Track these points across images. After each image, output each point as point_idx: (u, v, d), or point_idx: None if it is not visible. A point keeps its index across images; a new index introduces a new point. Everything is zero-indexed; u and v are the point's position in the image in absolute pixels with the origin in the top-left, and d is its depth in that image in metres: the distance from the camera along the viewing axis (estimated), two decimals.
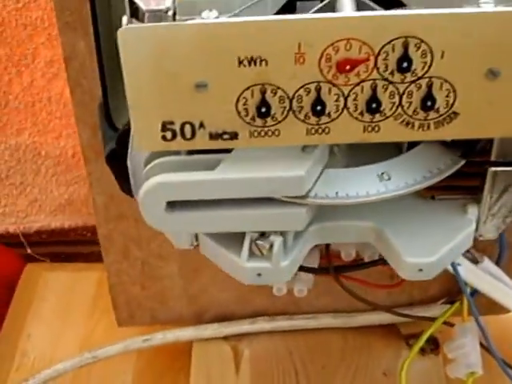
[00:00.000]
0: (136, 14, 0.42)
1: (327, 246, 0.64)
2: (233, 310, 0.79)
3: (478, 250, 0.69)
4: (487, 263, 0.69)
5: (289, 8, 0.45)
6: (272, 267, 0.48)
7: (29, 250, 0.92)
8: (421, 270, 0.48)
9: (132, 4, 0.41)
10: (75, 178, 0.87)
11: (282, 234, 0.48)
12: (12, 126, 0.86)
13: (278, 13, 0.44)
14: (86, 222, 0.92)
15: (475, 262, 0.69)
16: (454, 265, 0.65)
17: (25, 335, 0.85)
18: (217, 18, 0.40)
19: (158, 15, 0.41)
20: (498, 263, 0.70)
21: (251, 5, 0.42)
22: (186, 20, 0.40)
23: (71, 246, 0.95)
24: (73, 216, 0.92)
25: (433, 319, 0.72)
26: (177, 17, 0.41)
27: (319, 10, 0.41)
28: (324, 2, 0.42)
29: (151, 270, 0.75)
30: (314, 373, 0.77)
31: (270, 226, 0.47)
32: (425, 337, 0.70)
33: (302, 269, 0.66)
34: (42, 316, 0.87)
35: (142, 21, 0.41)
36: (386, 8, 0.42)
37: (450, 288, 0.74)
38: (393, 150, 0.48)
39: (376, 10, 0.41)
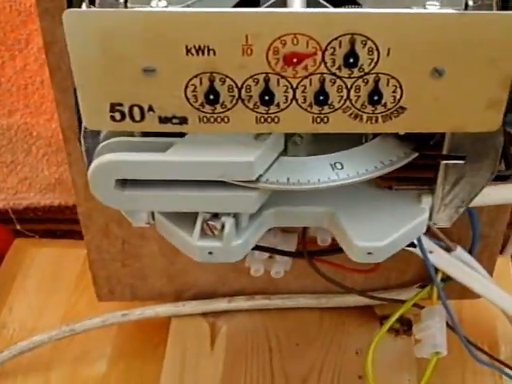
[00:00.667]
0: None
1: (304, 230, 0.66)
2: (213, 290, 0.80)
3: (451, 240, 0.71)
4: (460, 252, 0.71)
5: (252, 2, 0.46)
6: (223, 247, 0.50)
7: (18, 226, 0.94)
8: (370, 253, 0.50)
9: None
10: (66, 159, 0.88)
11: (235, 215, 0.50)
12: (4, 107, 0.88)
13: (239, 5, 0.45)
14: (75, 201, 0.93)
15: (448, 250, 0.70)
16: (424, 251, 0.66)
17: (7, 308, 0.86)
18: (165, 7, 0.41)
19: (109, 2, 0.42)
20: (470, 252, 0.71)
21: None
22: (137, 7, 0.42)
23: (60, 224, 0.96)
24: (62, 195, 0.94)
25: (403, 302, 0.73)
26: (128, 4, 0.42)
27: (270, 5, 0.43)
28: None
29: (132, 248, 0.76)
30: (287, 350, 0.79)
31: (222, 208, 0.49)
32: (394, 317, 0.72)
33: (277, 252, 0.69)
34: (25, 290, 0.88)
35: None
36: (341, 7, 0.43)
37: (426, 273, 0.75)
38: (356, 141, 0.49)
39: (326, 7, 0.42)
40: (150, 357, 0.80)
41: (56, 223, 0.95)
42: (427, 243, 0.68)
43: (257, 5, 0.44)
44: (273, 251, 0.68)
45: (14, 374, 0.79)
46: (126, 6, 0.42)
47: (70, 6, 0.46)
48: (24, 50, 0.84)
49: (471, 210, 0.67)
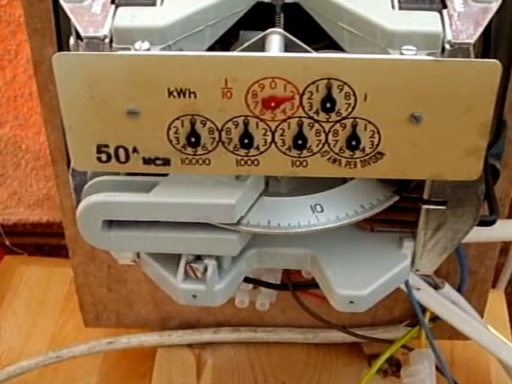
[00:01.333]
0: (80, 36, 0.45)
1: None
2: (198, 319, 0.81)
3: (439, 276, 0.71)
4: (448, 289, 0.71)
5: (232, 36, 0.47)
6: (206, 290, 0.50)
7: (7, 242, 0.95)
8: (352, 302, 0.50)
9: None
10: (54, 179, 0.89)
11: (218, 257, 0.50)
12: None
13: (217, 41, 0.46)
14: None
15: (436, 287, 0.71)
16: (409, 290, 0.67)
17: None
18: (148, 49, 0.42)
19: (96, 42, 0.43)
20: (459, 290, 0.72)
21: (188, 36, 0.44)
22: (122, 49, 0.43)
23: (48, 238, 0.97)
24: (50, 211, 0.95)
25: (391, 342, 0.74)
26: (113, 44, 0.43)
27: (248, 47, 0.44)
28: (254, 39, 0.44)
29: (117, 273, 0.77)
30: None
31: (204, 250, 0.50)
32: (382, 359, 0.73)
33: (262, 284, 0.69)
34: (14, 310, 0.90)
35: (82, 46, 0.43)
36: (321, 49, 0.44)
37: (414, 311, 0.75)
38: (338, 179, 0.50)
39: (305, 50, 0.43)
40: None
41: (44, 237, 0.97)
42: (414, 280, 0.68)
43: (236, 37, 0.45)
44: (257, 283, 0.69)
45: None
46: (110, 46, 0.43)
47: (58, 28, 0.47)
48: (13, 60, 0.85)
49: (459, 245, 0.67)
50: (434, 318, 0.73)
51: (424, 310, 0.72)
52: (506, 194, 0.67)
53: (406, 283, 0.67)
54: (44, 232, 0.97)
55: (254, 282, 0.68)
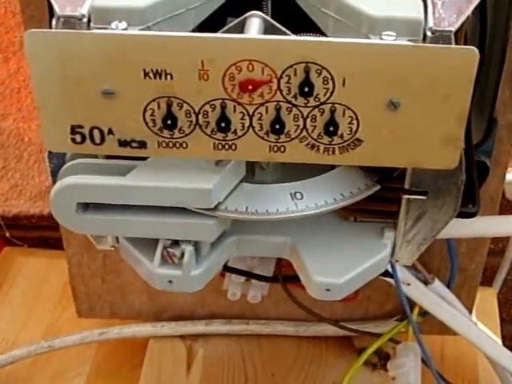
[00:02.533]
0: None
1: None
2: (191, 311, 0.80)
3: (430, 272, 0.70)
4: (438, 285, 0.70)
5: (219, 23, 0.45)
6: (183, 275, 0.49)
7: (7, 234, 0.94)
8: (328, 290, 0.49)
9: None
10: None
11: (196, 243, 0.49)
12: None
13: (202, 26, 0.44)
14: None
15: (426, 283, 0.69)
16: (398, 284, 0.65)
17: None
18: (125, 29, 0.41)
19: (73, 21, 0.41)
20: (448, 286, 0.70)
21: (172, 17, 0.43)
22: (99, 29, 0.41)
23: (53, 232, 0.95)
24: None
25: (381, 335, 0.72)
26: (91, 24, 0.42)
27: (227, 30, 0.42)
28: (234, 22, 0.43)
29: (112, 263, 0.76)
30: (263, 380, 0.78)
31: (181, 235, 0.48)
32: (369, 351, 0.71)
33: (253, 276, 0.68)
34: (10, 300, 0.88)
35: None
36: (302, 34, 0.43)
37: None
38: (323, 168, 0.49)
39: (285, 34, 0.42)
40: (128, 378, 0.79)
41: (48, 231, 0.95)
42: (404, 274, 0.67)
43: (217, 29, 0.43)
44: (249, 275, 0.67)
45: None
46: (88, 26, 0.41)
47: (51, 15, 0.46)
48: (18, 52, 0.84)
49: (450, 241, 0.66)
50: (424, 313, 0.71)
51: (413, 304, 0.70)
52: (497, 193, 0.65)
53: (396, 278, 0.65)
54: (45, 225, 0.95)
55: (246, 274, 0.67)
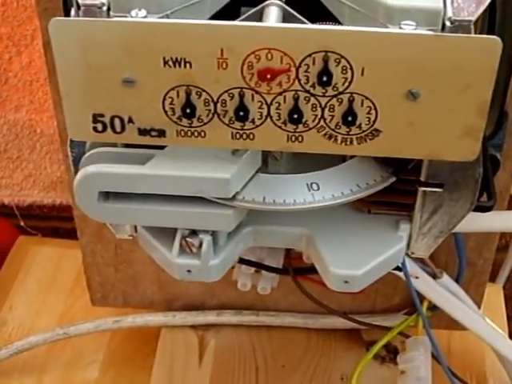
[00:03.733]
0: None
1: None
2: (202, 301, 0.78)
3: (438, 267, 0.68)
4: (446, 279, 0.68)
5: (233, 12, 0.44)
6: (201, 265, 0.48)
7: (22, 223, 0.93)
8: (346, 282, 0.47)
9: None
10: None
11: (213, 233, 0.48)
12: (11, 102, 0.87)
13: (217, 16, 0.43)
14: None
15: (434, 277, 0.68)
16: (407, 277, 0.64)
17: (7, 306, 0.86)
18: (144, 17, 0.39)
19: (93, 10, 0.40)
20: (457, 281, 0.69)
21: (188, 5, 0.42)
22: (119, 17, 0.40)
23: (63, 222, 0.95)
24: (64, 193, 0.93)
25: (389, 329, 0.71)
26: (111, 13, 0.40)
27: (246, 18, 0.41)
28: (252, 11, 0.41)
29: (124, 253, 0.75)
30: (273, 370, 0.76)
31: (199, 225, 0.47)
32: (379, 345, 0.70)
33: (263, 267, 0.67)
34: (25, 289, 0.87)
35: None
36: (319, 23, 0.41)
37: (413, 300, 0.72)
38: (337, 159, 0.47)
39: (303, 22, 0.41)
40: (140, 366, 0.78)
41: (59, 221, 0.95)
42: (413, 268, 0.65)
43: (235, 17, 0.42)
44: (259, 266, 0.66)
45: (9, 373, 0.78)
46: (108, 14, 0.40)
47: (65, 7, 0.45)
48: (30, 45, 0.83)
49: (458, 235, 0.64)
50: (432, 308, 0.70)
51: (422, 299, 0.69)
52: (506, 187, 0.64)
53: (405, 271, 0.64)
54: (56, 215, 0.94)
55: (256, 265, 0.66)
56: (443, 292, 0.68)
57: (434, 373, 0.68)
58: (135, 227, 0.51)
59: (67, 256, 0.90)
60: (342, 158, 0.48)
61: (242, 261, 0.65)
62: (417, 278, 0.67)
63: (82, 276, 0.79)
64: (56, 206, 0.94)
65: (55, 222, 0.96)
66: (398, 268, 0.62)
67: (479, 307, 0.72)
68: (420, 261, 0.67)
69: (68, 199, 0.92)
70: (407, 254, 0.50)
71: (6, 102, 0.87)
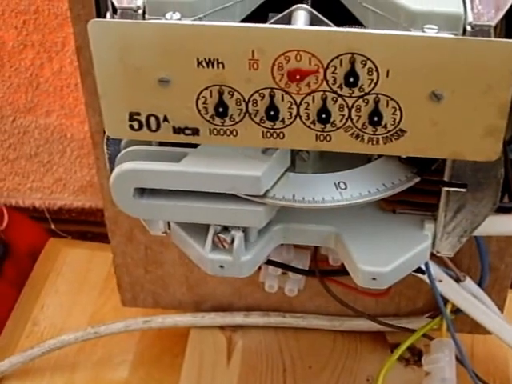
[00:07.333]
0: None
1: (315, 248, 0.65)
2: (230, 302, 0.80)
3: (461, 270, 0.69)
4: (469, 283, 0.69)
5: (261, 17, 0.46)
6: (233, 260, 0.49)
7: (52, 226, 0.95)
8: (374, 278, 0.49)
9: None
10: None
11: (245, 229, 0.49)
12: (42, 108, 0.89)
13: (246, 21, 0.45)
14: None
15: (457, 280, 0.69)
16: (431, 279, 0.65)
17: (39, 305, 0.87)
18: (179, 19, 0.41)
19: (129, 13, 0.42)
20: (480, 285, 0.70)
21: (220, 9, 0.43)
22: (154, 19, 0.42)
23: (91, 226, 0.97)
24: (93, 197, 0.95)
25: (414, 331, 0.72)
26: (146, 16, 0.42)
27: (275, 21, 0.43)
28: (281, 14, 0.43)
29: (154, 254, 0.76)
30: (300, 371, 0.77)
31: (231, 221, 0.49)
32: (403, 347, 0.71)
33: (290, 268, 0.68)
34: (57, 289, 0.89)
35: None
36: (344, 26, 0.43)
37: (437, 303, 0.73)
38: (362, 159, 0.49)
39: (329, 25, 0.42)
40: (169, 366, 0.80)
41: (87, 225, 0.97)
42: (436, 271, 0.66)
43: (265, 19, 0.44)
44: (286, 267, 0.67)
45: (42, 371, 0.80)
46: (143, 17, 0.42)
47: (98, 13, 0.47)
48: (60, 52, 0.85)
49: (479, 239, 0.65)
50: (455, 311, 0.71)
51: (446, 302, 0.70)
52: None
53: (429, 274, 0.65)
54: (87, 220, 0.97)
55: (283, 266, 0.68)
56: (466, 295, 0.69)
57: (457, 376, 0.69)
58: (168, 224, 0.53)
59: (97, 258, 0.92)
60: (367, 159, 0.49)
61: (269, 262, 0.67)
62: (440, 281, 0.68)
63: (112, 277, 0.81)
64: (85, 210, 0.96)
65: (84, 226, 0.98)
66: (422, 271, 0.64)
67: (502, 312, 0.73)
68: (443, 264, 0.68)
69: (97, 203, 0.94)
70: (432, 253, 0.51)
71: (37, 107, 0.90)
